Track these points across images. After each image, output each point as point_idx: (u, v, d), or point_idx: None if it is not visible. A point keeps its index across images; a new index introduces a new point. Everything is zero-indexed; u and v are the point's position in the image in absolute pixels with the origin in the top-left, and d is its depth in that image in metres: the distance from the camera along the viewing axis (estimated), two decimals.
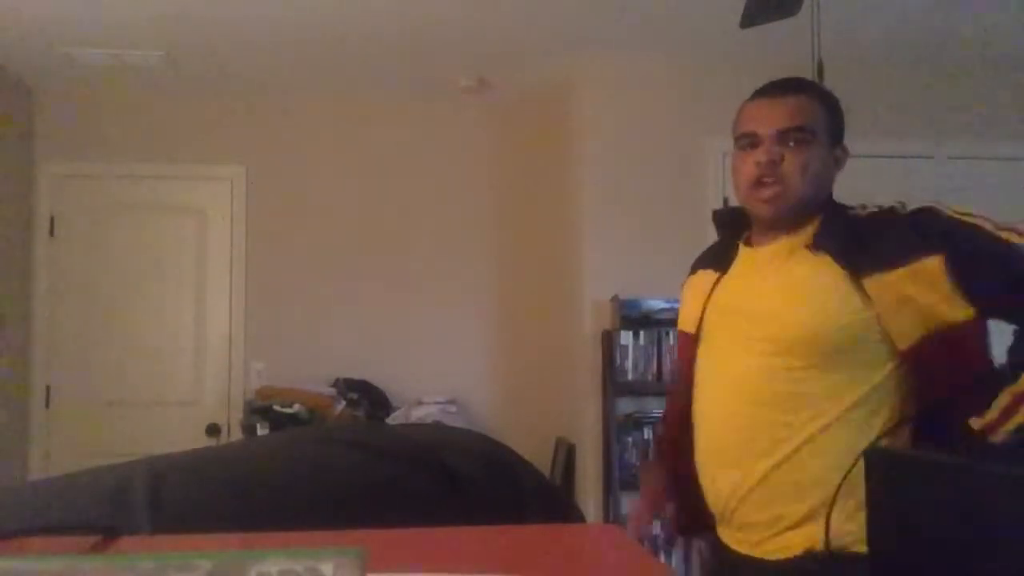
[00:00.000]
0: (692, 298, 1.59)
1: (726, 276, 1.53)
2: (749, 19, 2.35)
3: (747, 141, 1.45)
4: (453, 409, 3.76)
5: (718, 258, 1.58)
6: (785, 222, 1.46)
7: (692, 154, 3.52)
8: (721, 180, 3.52)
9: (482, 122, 4.10)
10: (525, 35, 3.33)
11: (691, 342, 1.55)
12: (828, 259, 1.39)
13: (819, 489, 1.32)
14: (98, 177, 3.92)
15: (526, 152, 4.09)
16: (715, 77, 3.55)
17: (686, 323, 1.58)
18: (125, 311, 3.87)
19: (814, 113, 1.46)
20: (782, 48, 2.85)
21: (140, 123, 3.94)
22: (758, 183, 1.42)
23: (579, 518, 1.53)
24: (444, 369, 3.99)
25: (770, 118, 1.43)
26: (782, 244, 1.47)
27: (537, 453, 3.53)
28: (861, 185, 3.91)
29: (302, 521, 0.91)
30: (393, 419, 3.66)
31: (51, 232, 3.88)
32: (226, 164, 3.97)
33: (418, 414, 3.67)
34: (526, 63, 3.64)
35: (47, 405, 3.83)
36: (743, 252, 1.53)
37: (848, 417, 1.34)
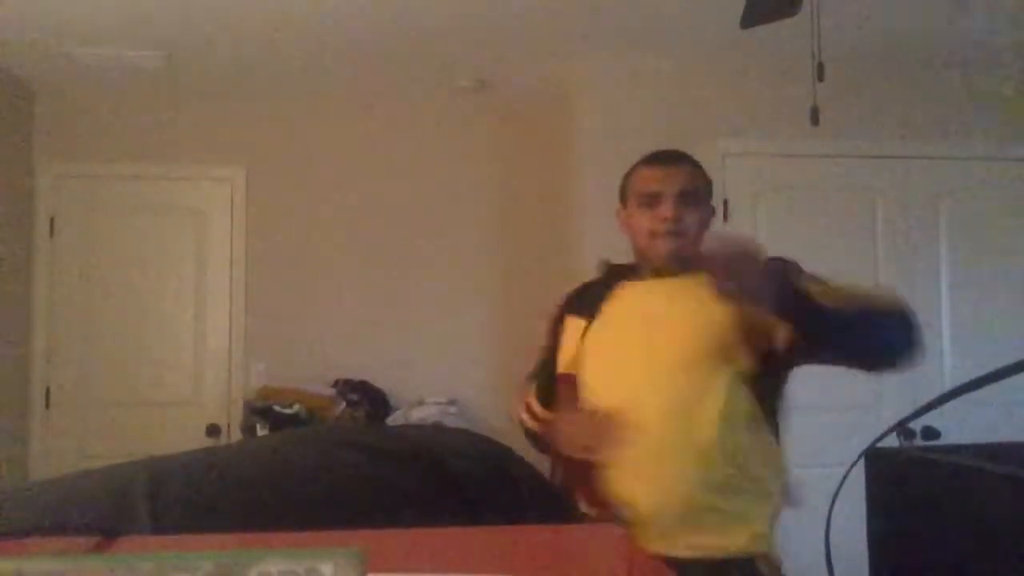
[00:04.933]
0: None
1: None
2: (749, 19, 2.35)
3: (647, 200, 1.69)
4: (453, 410, 3.76)
5: (589, 306, 1.78)
6: (680, 270, 1.68)
7: (692, 154, 3.51)
8: (721, 180, 3.52)
9: (482, 122, 4.10)
10: (525, 35, 3.33)
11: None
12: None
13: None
14: (98, 177, 3.92)
15: (526, 152, 4.09)
16: (715, 77, 3.55)
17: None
18: (125, 311, 3.87)
19: (701, 180, 1.73)
20: (782, 48, 2.86)
21: (140, 123, 3.94)
22: (660, 235, 1.66)
23: (579, 518, 1.53)
24: (444, 369, 3.98)
25: (670, 181, 1.68)
26: (690, 279, 1.65)
27: (537, 453, 3.53)
28: (862, 185, 3.92)
29: (302, 521, 0.91)
30: (393, 420, 3.66)
31: (51, 232, 3.87)
32: (226, 164, 3.97)
33: (418, 415, 3.67)
34: (526, 63, 3.64)
35: (47, 405, 3.83)
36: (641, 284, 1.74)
37: None
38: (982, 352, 3.44)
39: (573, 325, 1.80)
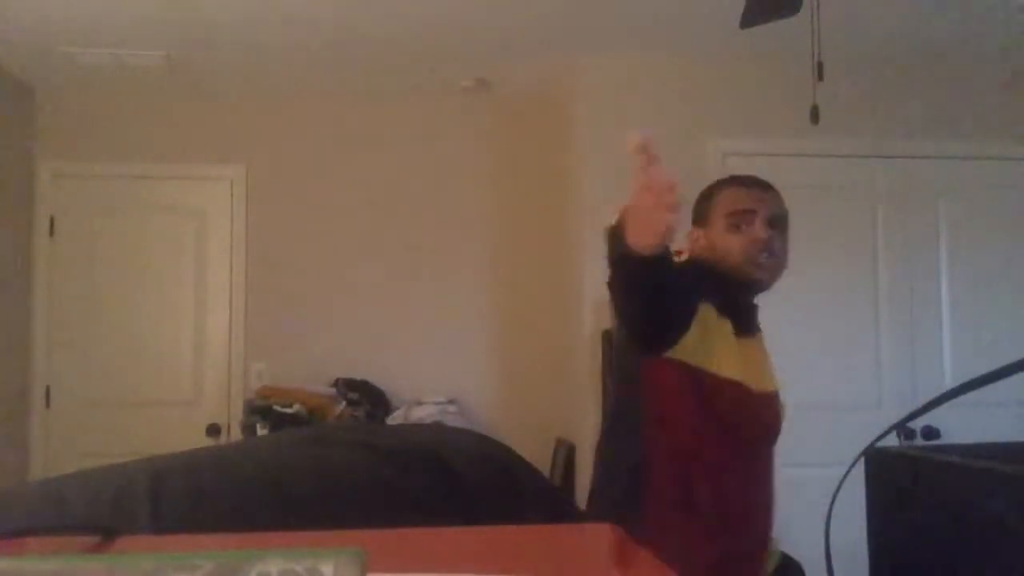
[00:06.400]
0: (739, 355, 1.59)
1: (754, 349, 1.66)
2: (749, 19, 2.35)
3: (738, 220, 1.61)
4: (453, 409, 3.76)
5: (726, 308, 1.59)
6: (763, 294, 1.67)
7: (692, 154, 3.51)
8: None
9: (482, 122, 4.10)
10: (525, 35, 3.33)
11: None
12: None
13: None
14: (98, 177, 3.92)
15: (526, 152, 4.09)
16: (715, 77, 3.55)
17: (750, 378, 1.60)
18: (125, 311, 3.87)
19: (786, 208, 1.69)
20: (782, 48, 2.85)
21: (140, 123, 3.94)
22: (757, 260, 1.60)
23: (579, 518, 1.53)
24: (444, 369, 3.98)
25: (763, 202, 1.63)
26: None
27: (537, 453, 3.53)
28: (862, 185, 3.92)
29: (302, 521, 0.91)
30: (393, 419, 3.66)
31: (51, 232, 3.87)
32: (226, 164, 3.97)
33: (418, 414, 3.67)
34: (526, 63, 3.64)
35: (47, 405, 3.83)
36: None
37: None
38: (982, 352, 3.44)
39: (714, 317, 1.56)
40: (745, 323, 1.63)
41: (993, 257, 3.57)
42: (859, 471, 1.39)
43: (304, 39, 3.33)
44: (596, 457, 1.73)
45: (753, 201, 1.63)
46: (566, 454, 3.61)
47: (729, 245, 1.61)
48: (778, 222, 1.64)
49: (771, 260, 1.61)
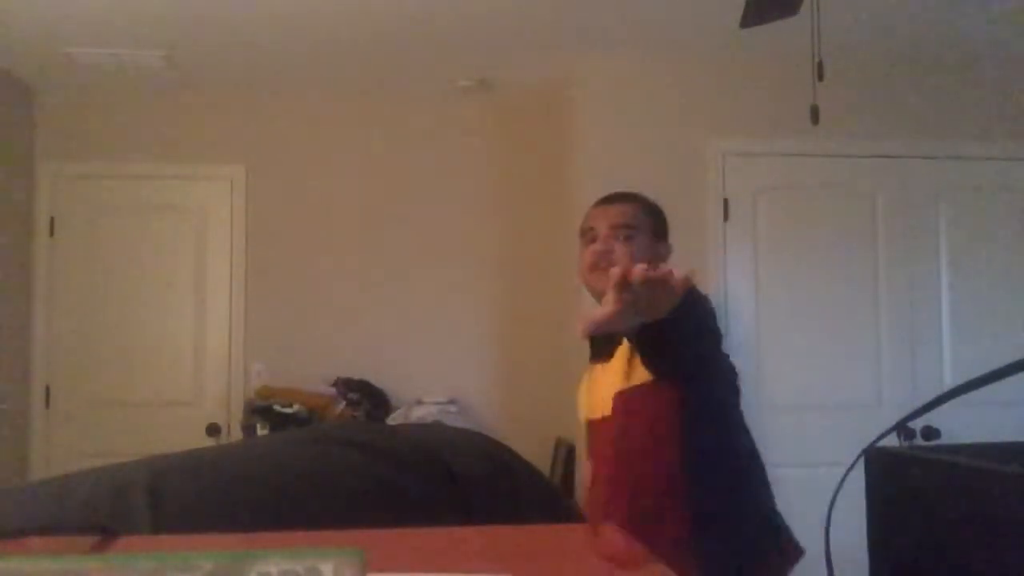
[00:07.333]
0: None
1: (599, 372, 1.88)
2: (749, 19, 2.35)
3: (589, 236, 1.79)
4: (453, 409, 3.76)
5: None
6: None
7: (692, 154, 3.52)
8: (721, 180, 3.52)
9: (482, 122, 4.10)
10: (525, 35, 3.33)
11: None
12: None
13: None
14: (98, 177, 3.92)
15: (526, 152, 4.09)
16: (715, 77, 3.55)
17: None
18: (125, 311, 3.87)
19: (637, 215, 1.79)
20: (782, 48, 2.86)
21: (140, 123, 3.94)
22: (595, 266, 1.74)
23: (579, 518, 1.53)
24: (444, 369, 3.98)
25: (605, 216, 1.78)
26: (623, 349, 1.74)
27: (537, 453, 3.53)
28: (862, 185, 3.92)
29: (302, 521, 0.91)
30: (393, 419, 3.66)
31: (51, 232, 3.87)
32: (226, 164, 3.97)
33: (418, 414, 3.67)
34: (526, 63, 3.64)
35: (47, 405, 3.83)
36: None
37: None
38: (982, 352, 3.44)
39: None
40: (596, 348, 1.87)
41: (993, 257, 3.57)
42: (859, 471, 1.39)
43: (304, 39, 3.33)
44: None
45: (594, 219, 1.80)
46: (566, 454, 3.61)
47: (581, 263, 1.80)
48: (620, 231, 1.75)
49: (606, 272, 1.68)
